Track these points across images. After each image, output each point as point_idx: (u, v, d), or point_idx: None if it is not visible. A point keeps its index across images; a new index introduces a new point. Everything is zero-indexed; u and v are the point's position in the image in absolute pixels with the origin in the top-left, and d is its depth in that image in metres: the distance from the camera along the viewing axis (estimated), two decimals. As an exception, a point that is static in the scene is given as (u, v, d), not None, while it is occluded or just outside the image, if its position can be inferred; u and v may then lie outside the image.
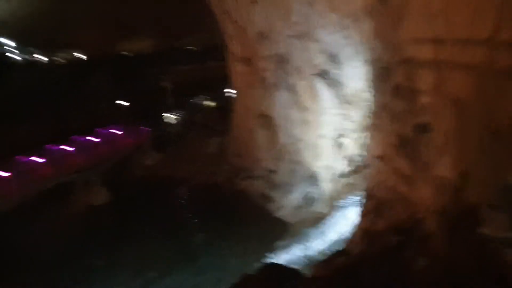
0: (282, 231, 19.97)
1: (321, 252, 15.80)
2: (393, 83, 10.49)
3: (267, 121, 22.59)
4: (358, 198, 18.95)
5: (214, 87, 35.08)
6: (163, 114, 31.88)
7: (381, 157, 11.82)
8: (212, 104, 33.47)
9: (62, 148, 23.46)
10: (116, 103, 34.25)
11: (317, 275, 8.26)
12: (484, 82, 6.51)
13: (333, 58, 18.39)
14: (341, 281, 7.46)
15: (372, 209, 11.12)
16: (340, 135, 19.55)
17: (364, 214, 11.58)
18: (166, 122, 31.48)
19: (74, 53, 49.45)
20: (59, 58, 48.74)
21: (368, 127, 13.78)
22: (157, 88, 36.24)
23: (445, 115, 8.08)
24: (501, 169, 6.03)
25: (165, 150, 28.06)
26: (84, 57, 49.30)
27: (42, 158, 21.74)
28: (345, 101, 18.86)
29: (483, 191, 6.70)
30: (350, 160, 19.81)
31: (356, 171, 19.70)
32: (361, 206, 12.88)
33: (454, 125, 7.83)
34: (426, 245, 7.81)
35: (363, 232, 10.60)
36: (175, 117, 31.92)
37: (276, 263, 11.38)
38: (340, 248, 11.76)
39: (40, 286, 17.00)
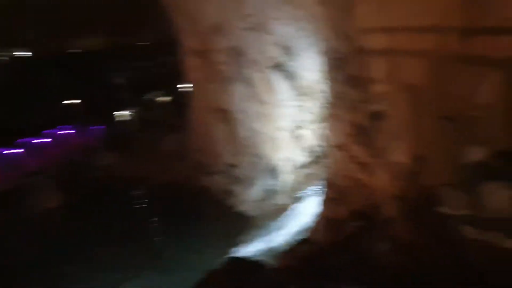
0: (245, 225, 19.92)
1: (284, 243, 15.87)
2: (347, 73, 10.56)
3: (225, 115, 22.36)
4: (319, 188, 19.20)
5: (169, 83, 34.42)
6: (117, 112, 30.94)
7: (339, 146, 11.91)
8: (168, 99, 32.80)
9: (10, 151, 22.36)
10: (67, 102, 33.03)
11: (281, 265, 8.23)
12: (437, 67, 6.63)
13: (288, 50, 18.39)
14: (306, 270, 7.46)
15: (333, 197, 11.21)
16: (298, 127, 19.63)
17: (325, 203, 11.66)
18: (120, 120, 30.58)
19: (19, 52, 47.18)
20: (3, 57, 46.39)
21: (325, 118, 13.85)
22: (109, 85, 35.24)
23: (399, 102, 8.20)
24: (456, 151, 6.14)
25: (120, 149, 27.25)
26: (30, 54, 47.17)
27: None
28: (301, 92, 18.93)
29: (440, 173, 6.84)
30: (309, 151, 19.95)
31: (315, 161, 19.88)
32: (322, 195, 12.97)
33: (408, 112, 7.95)
34: (387, 229, 7.92)
35: (325, 220, 10.68)
36: (130, 114, 31.07)
37: (240, 257, 11.31)
38: (303, 238, 11.81)
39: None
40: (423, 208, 7.08)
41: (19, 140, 23.20)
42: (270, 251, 15.52)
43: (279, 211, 19.73)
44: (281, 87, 18.97)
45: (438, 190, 6.54)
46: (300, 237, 14.19)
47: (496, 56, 5.32)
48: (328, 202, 11.57)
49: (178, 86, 33.92)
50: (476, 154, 4.93)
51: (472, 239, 3.64)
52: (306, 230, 15.96)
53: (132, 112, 30.69)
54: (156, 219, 21.07)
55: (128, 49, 45.27)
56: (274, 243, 16.68)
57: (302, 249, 8.68)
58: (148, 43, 48.78)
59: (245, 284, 7.11)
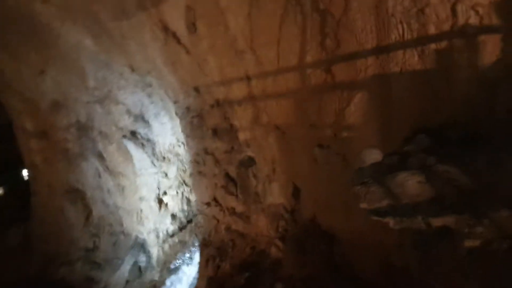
0: (116, 312, 18.20)
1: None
2: (210, 127, 10.82)
3: (77, 195, 20.66)
4: (192, 253, 18.66)
5: (4, 171, 30.78)
6: None
7: (211, 202, 11.88)
8: (6, 189, 29.12)
9: None
10: None
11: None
12: (301, 103, 7.15)
13: (140, 118, 18.11)
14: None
15: (213, 255, 10.94)
16: (161, 194, 19.09)
17: (204, 264, 11.30)
18: None
19: None
20: None
21: (189, 178, 13.76)
22: None
23: (267, 145, 8.61)
24: (332, 178, 6.62)
25: None
26: None
27: None
28: (160, 158, 18.63)
29: (319, 202, 7.26)
30: (175, 218, 19.45)
31: (182, 227, 19.40)
32: (199, 258, 12.58)
33: (277, 152, 8.36)
34: (277, 271, 7.98)
35: (209, 280, 10.29)
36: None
37: None
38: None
39: None
40: (307, 241, 7.38)
41: None
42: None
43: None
44: (137, 156, 18.38)
45: (319, 218, 6.92)
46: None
47: (356, 79, 6.00)
48: (208, 261, 11.25)
49: (16, 172, 30.51)
50: (373, 155, 5.38)
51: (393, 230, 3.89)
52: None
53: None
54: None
55: None
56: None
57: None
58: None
59: None
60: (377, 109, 5.76)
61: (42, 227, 23.03)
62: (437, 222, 3.54)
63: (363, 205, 4.13)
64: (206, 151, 12.02)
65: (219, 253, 10.82)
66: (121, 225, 19.94)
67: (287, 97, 7.44)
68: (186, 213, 19.60)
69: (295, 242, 7.83)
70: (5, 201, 27.79)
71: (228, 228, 11.08)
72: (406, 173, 3.96)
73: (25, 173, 28.33)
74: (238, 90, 9.08)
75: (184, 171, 19.10)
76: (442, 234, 3.49)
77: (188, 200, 19.60)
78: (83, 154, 19.79)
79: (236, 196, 10.89)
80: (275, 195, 9.22)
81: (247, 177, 10.18)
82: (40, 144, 21.32)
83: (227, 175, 11.26)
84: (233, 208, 11.04)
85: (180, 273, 17.95)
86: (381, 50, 5.50)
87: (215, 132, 11.01)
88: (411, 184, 3.86)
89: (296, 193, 8.37)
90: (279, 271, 7.93)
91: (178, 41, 10.48)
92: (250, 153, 9.91)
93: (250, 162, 10.06)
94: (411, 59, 5.17)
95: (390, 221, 3.83)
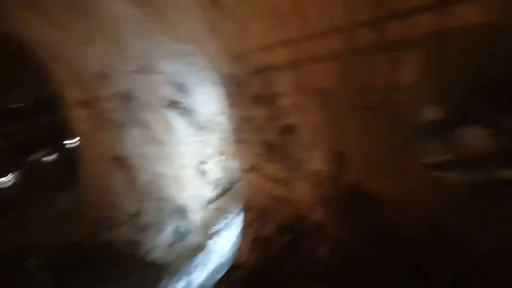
0: (159, 273, 18.91)
1: (211, 277, 15.37)
2: (251, 94, 10.83)
3: (122, 162, 21.39)
4: (229, 220, 19.11)
5: (55, 140, 32.19)
6: (-4, 179, 27.92)
7: (251, 169, 12.02)
8: (55, 157, 30.51)
9: None
10: None
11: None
12: (349, 64, 7.00)
13: (182, 87, 18.37)
14: (254, 284, 7.21)
15: (254, 219, 11.18)
16: (201, 162, 19.48)
17: (246, 227, 11.57)
18: (3, 187, 27.57)
19: None
20: None
21: (231, 145, 13.93)
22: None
23: (310, 111, 8.53)
24: (381, 141, 6.54)
25: (5, 219, 24.44)
26: None
27: None
28: (200, 127, 18.93)
29: (366, 168, 7.20)
30: (215, 185, 19.84)
31: (221, 194, 19.81)
32: (240, 222, 12.88)
33: (321, 118, 8.26)
34: (319, 235, 8.07)
35: (251, 243, 10.55)
36: (11, 179, 28.19)
37: None
38: (232, 265, 11.49)
39: None
40: (351, 205, 7.39)
41: None
42: (203, 285, 14.95)
43: (193, 252, 19.11)
44: (179, 125, 18.77)
45: (364, 183, 6.89)
46: (227, 267, 13.85)
47: (413, 37, 5.82)
48: (250, 224, 11.51)
49: (65, 141, 31.84)
50: (432, 113, 5.27)
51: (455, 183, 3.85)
52: (230, 260, 15.64)
53: (15, 176, 27.89)
54: (59, 286, 19.04)
55: (7, 108, 41.55)
56: (202, 278, 16.08)
57: (235, 275, 8.38)
58: (24, 103, 45.32)
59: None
60: (432, 69, 5.59)
61: (89, 193, 24.09)
62: (502, 175, 3.45)
63: (424, 160, 4.07)
64: (247, 119, 12.09)
65: (260, 217, 11.03)
66: (163, 191, 20.54)
67: (333, 59, 7.31)
68: (226, 181, 19.94)
69: (339, 207, 7.87)
70: (55, 168, 29.11)
71: (268, 194, 11.24)
72: (470, 127, 3.86)
73: (73, 141, 29.46)
74: (281, 55, 8.99)
75: (225, 139, 19.34)
76: (505, 188, 3.41)
77: (228, 168, 19.91)
78: (128, 123, 20.36)
79: (277, 163, 10.97)
80: (317, 161, 9.19)
81: (288, 144, 10.20)
82: (87, 113, 22.08)
83: (268, 143, 11.33)
84: (274, 175, 11.14)
85: (220, 237, 18.44)
86: (438, 4, 5.28)
87: (256, 99, 11.03)
88: (475, 138, 3.77)
89: (339, 159, 8.32)
90: (321, 235, 8.01)
91: (220, 7, 10.44)
92: (291, 119, 9.88)
93: (291, 128, 10.05)
94: (470, 14, 4.95)
95: (452, 176, 3.76)
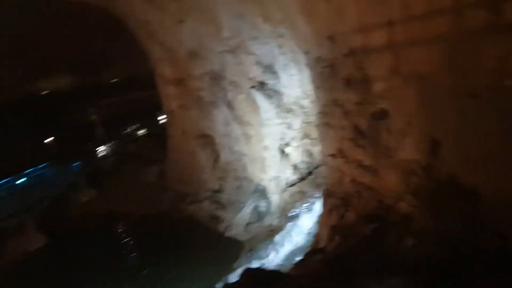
0: (237, 250, 19.43)
1: (289, 258, 15.55)
2: (343, 77, 10.58)
3: (207, 140, 22.16)
4: (308, 204, 19.06)
5: (146, 115, 34.12)
6: (94, 148, 30.22)
7: (336, 154, 11.82)
8: (147, 131, 32.36)
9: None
10: (43, 142, 32.29)
11: (300, 273, 7.83)
12: (453, 49, 6.56)
13: (269, 69, 18.51)
14: (328, 273, 7.14)
15: (336, 205, 11.03)
16: (284, 145, 19.58)
17: (329, 212, 11.44)
18: (98, 156, 29.84)
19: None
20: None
21: (316, 130, 13.79)
22: (84, 123, 34.75)
23: (405, 96, 8.14)
24: (485, 131, 6.09)
25: (100, 185, 26.47)
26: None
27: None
28: (285, 110, 18.98)
29: (464, 158, 6.76)
30: (296, 168, 19.87)
31: (303, 178, 19.80)
32: (322, 207, 12.78)
33: (416, 104, 7.85)
34: (405, 226, 7.77)
35: (332, 229, 10.43)
36: (107, 150, 30.40)
37: (255, 268, 10.94)
38: (312, 249, 11.49)
39: None
40: (444, 196, 6.99)
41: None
42: (279, 266, 15.15)
43: (270, 233, 19.36)
44: (265, 107, 18.96)
45: (461, 175, 6.47)
46: (305, 250, 13.88)
47: None
48: (331, 210, 11.37)
49: (156, 117, 33.66)
50: None
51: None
52: (307, 244, 15.71)
53: (110, 147, 30.02)
54: (143, 252, 20.31)
55: (101, 86, 44.89)
56: (278, 259, 16.31)
57: (315, 258, 8.30)
58: (121, 78, 48.57)
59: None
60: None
61: (175, 168, 25.31)
62: None
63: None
64: (335, 103, 11.86)
65: (343, 203, 10.86)
66: (245, 171, 20.97)
67: (436, 42, 6.85)
68: (307, 165, 19.88)
69: (430, 198, 7.49)
70: (145, 142, 30.82)
71: (353, 180, 10.99)
72: None
73: (162, 117, 31.01)
74: (378, 37, 8.63)
75: (308, 123, 19.23)
76: None
77: (310, 153, 19.82)
78: (215, 102, 20.98)
79: (365, 149, 10.66)
80: (409, 150, 8.78)
81: (379, 130, 9.85)
82: (177, 91, 23.08)
83: (356, 128, 11.03)
84: (360, 161, 10.85)
85: (298, 221, 18.48)
86: None
87: (347, 82, 10.75)
88: None
89: (433, 148, 7.87)
90: (409, 226, 7.70)
91: (316, -13, 10.27)
92: (384, 105, 9.51)
93: (383, 114, 9.67)
94: None
95: None
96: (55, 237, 21.66)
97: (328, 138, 12.55)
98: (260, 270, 8.28)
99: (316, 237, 12.97)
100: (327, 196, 12.22)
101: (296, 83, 18.46)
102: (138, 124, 32.93)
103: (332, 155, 12.28)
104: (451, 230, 6.53)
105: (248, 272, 7.85)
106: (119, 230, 23.11)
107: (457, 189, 6.70)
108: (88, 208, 25.02)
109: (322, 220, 12.39)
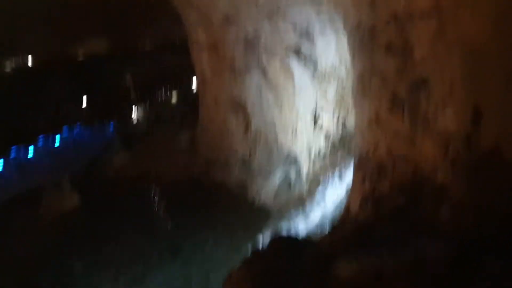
0: (266, 217, 19.59)
1: (318, 226, 15.61)
2: (382, 43, 10.25)
3: (239, 108, 22.14)
4: (340, 174, 18.89)
5: (179, 81, 34.34)
6: (128, 112, 30.77)
7: (372, 123, 11.60)
8: (179, 96, 32.61)
9: (27, 152, 22.23)
10: (78, 105, 33.15)
11: (332, 240, 7.82)
12: (503, 14, 6.20)
13: (305, 35, 18.09)
14: (361, 242, 7.11)
15: (370, 174, 10.88)
16: (317, 113, 19.31)
17: (361, 181, 11.32)
18: (132, 120, 30.39)
19: (21, 60, 46.98)
20: (5, 66, 46.20)
21: (351, 98, 13.49)
22: (119, 88, 35.35)
23: (448, 64, 7.80)
24: None
25: (133, 149, 27.03)
26: (32, 63, 47.04)
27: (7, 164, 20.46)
28: (320, 77, 18.63)
29: (508, 131, 6.50)
30: (328, 137, 19.62)
31: (335, 147, 19.56)
32: (354, 176, 12.64)
33: (460, 72, 7.52)
34: (443, 196, 7.59)
35: (364, 198, 10.33)
36: (141, 114, 30.89)
37: (285, 235, 11.08)
38: (342, 218, 11.45)
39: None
40: (484, 169, 6.77)
41: (36, 141, 22.91)
42: (308, 234, 15.25)
43: (300, 201, 19.39)
44: (299, 74, 18.66)
45: (504, 147, 6.25)
46: (335, 219, 13.87)
47: None
48: (363, 180, 11.24)
49: (189, 83, 33.84)
50: None
51: None
52: (338, 214, 15.70)
53: (143, 111, 30.47)
54: (173, 215, 20.79)
55: (134, 52, 45.24)
56: (307, 228, 16.41)
57: (346, 227, 8.25)
58: (154, 44, 48.79)
59: (297, 259, 6.76)
60: None
61: (206, 134, 25.52)
62: None
63: None
64: (373, 70, 11.55)
65: (377, 173, 10.70)
66: (276, 139, 20.92)
67: (485, 7, 6.51)
68: (340, 134, 19.61)
69: (470, 170, 7.25)
70: (178, 108, 31.12)
71: (388, 150, 10.78)
72: None
73: (195, 84, 31.13)
74: (422, 1, 8.26)
75: (343, 91, 18.87)
76: None
77: (343, 122, 19.51)
78: (248, 69, 20.83)
79: (402, 118, 10.40)
80: (449, 119, 8.48)
81: (418, 99, 9.54)
82: (210, 57, 23.03)
83: (394, 96, 10.73)
84: (397, 130, 10.60)
85: (328, 191, 18.39)
86: None
87: (387, 49, 10.41)
88: None
89: (475, 118, 7.58)
90: (445, 196, 7.52)
91: None
92: (425, 72, 9.17)
93: (423, 82, 9.35)
94: None
95: None
96: (89, 197, 22.36)
97: (364, 106, 12.28)
98: (289, 238, 8.32)
99: (347, 206, 12.88)
100: (360, 165, 12.07)
101: (332, 50, 18.01)
102: (171, 90, 33.18)
103: (367, 124, 12.06)
104: (492, 204, 6.34)
105: (278, 239, 7.90)
106: (151, 193, 23.73)
107: (500, 161, 6.46)
108: (122, 170, 25.66)
109: (354, 189, 12.28)
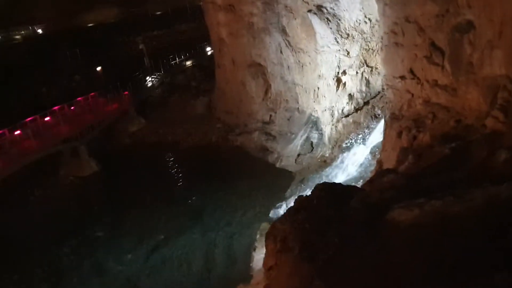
0: (287, 180, 19.29)
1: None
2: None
3: (258, 70, 21.54)
4: (363, 135, 18.41)
5: (193, 46, 33.62)
6: (143, 78, 30.24)
7: (406, 75, 11.06)
8: (193, 63, 31.89)
9: (44, 120, 21.99)
10: (92, 72, 32.74)
11: (380, 187, 7.45)
12: None
13: (328, -11, 17.33)
14: (407, 188, 6.71)
15: (407, 127, 10.41)
16: (340, 73, 18.67)
17: (397, 135, 10.85)
18: (147, 87, 29.87)
19: (33, 29, 46.74)
20: (17, 35, 45.97)
21: (384, 50, 12.79)
22: (132, 54, 34.79)
23: (497, 3, 7.26)
24: None
25: (149, 115, 26.68)
26: (43, 31, 46.76)
27: (24, 131, 20.25)
28: (343, 35, 17.89)
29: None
30: (352, 98, 19.07)
31: (358, 108, 19.02)
32: (387, 131, 12.15)
33: (509, 11, 6.97)
34: (495, 142, 7.13)
35: (403, 151, 9.89)
36: (155, 80, 30.35)
37: (330, 182, 10.80)
38: (382, 170, 11.01)
39: (42, 262, 15.94)
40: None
41: (53, 108, 22.59)
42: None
43: (322, 164, 19.02)
44: (321, 32, 17.92)
45: None
46: (357, 181, 13.49)
47: None
48: (400, 134, 10.77)
49: (203, 48, 33.21)
50: None
51: None
52: (361, 176, 15.35)
53: (158, 77, 29.92)
54: (193, 180, 20.57)
55: (144, 19, 44.51)
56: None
57: (386, 178, 7.83)
58: (164, 12, 47.98)
59: (345, 204, 6.38)
60: None
61: (224, 98, 24.99)
62: None
63: None
64: (407, 19, 10.95)
65: (415, 125, 10.24)
66: (297, 101, 20.43)
67: None
68: (364, 94, 19.05)
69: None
70: (193, 74, 30.51)
71: (426, 102, 10.30)
72: None
73: (209, 48, 30.43)
74: None
75: (367, 50, 18.20)
76: None
77: (367, 81, 18.91)
78: (267, 28, 20.09)
79: (442, 67, 9.86)
80: (497, 64, 7.97)
81: (461, 45, 9.00)
82: (227, 17, 22.20)
83: (432, 45, 10.18)
84: (436, 81, 10.10)
85: (351, 152, 17.99)
86: None
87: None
88: None
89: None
90: (499, 142, 7.06)
91: None
92: (469, 15, 8.60)
93: (467, 26, 8.78)
94: None
95: None
96: (107, 164, 22.22)
97: (397, 59, 11.71)
98: (335, 184, 7.95)
99: (379, 162, 12.49)
100: (393, 120, 11.61)
101: (357, 6, 17.23)
102: (186, 55, 32.45)
103: (401, 77, 11.52)
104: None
105: (322, 185, 7.52)
106: (169, 159, 23.48)
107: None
108: (138, 137, 25.42)
109: (388, 144, 11.85)
